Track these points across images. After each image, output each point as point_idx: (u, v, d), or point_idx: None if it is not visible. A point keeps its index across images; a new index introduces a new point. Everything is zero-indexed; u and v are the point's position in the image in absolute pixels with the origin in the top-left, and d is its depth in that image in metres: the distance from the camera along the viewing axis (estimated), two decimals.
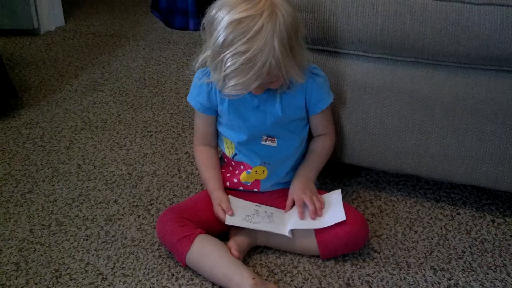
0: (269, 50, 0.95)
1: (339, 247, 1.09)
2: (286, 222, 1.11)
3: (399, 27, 1.10)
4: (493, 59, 1.08)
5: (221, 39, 0.96)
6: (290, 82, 1.08)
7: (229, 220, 1.10)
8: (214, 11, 0.99)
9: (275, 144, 1.14)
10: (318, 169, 1.19)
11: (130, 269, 1.10)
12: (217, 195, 1.14)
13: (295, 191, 1.14)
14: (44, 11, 2.39)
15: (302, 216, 1.10)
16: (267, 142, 1.14)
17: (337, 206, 1.11)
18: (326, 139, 1.20)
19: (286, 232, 1.09)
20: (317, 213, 1.10)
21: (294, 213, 1.12)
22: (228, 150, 1.18)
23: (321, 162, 1.20)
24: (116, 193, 1.34)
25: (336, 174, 1.40)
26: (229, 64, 0.95)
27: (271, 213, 1.14)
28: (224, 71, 0.96)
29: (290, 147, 1.16)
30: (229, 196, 1.16)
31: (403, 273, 1.09)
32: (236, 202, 1.15)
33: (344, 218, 1.07)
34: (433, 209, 1.29)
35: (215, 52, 0.98)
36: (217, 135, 1.21)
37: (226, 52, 0.95)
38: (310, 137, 1.21)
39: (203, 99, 1.14)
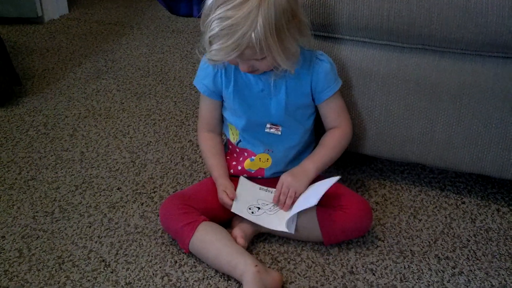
0: (251, 22, 0.95)
1: (343, 233, 1.09)
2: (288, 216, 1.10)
3: (406, 13, 1.08)
4: (500, 46, 1.06)
5: (210, 1, 0.99)
6: (285, 68, 1.06)
7: (235, 208, 1.10)
8: None
9: (279, 133, 1.13)
10: (323, 162, 1.14)
11: (133, 256, 1.10)
12: (222, 182, 1.14)
13: (285, 175, 1.12)
14: None
15: (275, 201, 1.12)
16: (272, 130, 1.13)
17: (319, 190, 1.07)
18: (336, 131, 1.17)
19: (285, 228, 1.08)
20: (279, 205, 1.11)
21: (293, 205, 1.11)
22: (233, 136, 1.18)
23: (328, 155, 1.15)
24: (119, 180, 1.34)
25: (340, 162, 1.39)
26: (213, 26, 0.97)
27: (276, 208, 1.13)
28: (210, 32, 0.98)
29: (294, 136, 1.15)
30: (240, 177, 1.17)
31: (407, 261, 1.09)
32: (245, 184, 1.15)
33: (314, 204, 1.04)
34: (438, 197, 1.28)
35: (205, 15, 1.00)
36: (221, 121, 1.20)
37: (212, 15, 0.98)
38: (321, 130, 1.20)
39: (209, 82, 1.14)
